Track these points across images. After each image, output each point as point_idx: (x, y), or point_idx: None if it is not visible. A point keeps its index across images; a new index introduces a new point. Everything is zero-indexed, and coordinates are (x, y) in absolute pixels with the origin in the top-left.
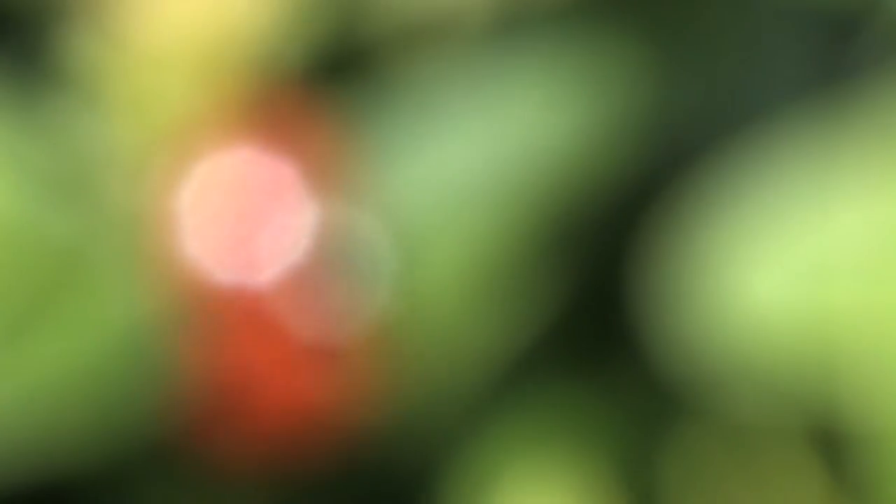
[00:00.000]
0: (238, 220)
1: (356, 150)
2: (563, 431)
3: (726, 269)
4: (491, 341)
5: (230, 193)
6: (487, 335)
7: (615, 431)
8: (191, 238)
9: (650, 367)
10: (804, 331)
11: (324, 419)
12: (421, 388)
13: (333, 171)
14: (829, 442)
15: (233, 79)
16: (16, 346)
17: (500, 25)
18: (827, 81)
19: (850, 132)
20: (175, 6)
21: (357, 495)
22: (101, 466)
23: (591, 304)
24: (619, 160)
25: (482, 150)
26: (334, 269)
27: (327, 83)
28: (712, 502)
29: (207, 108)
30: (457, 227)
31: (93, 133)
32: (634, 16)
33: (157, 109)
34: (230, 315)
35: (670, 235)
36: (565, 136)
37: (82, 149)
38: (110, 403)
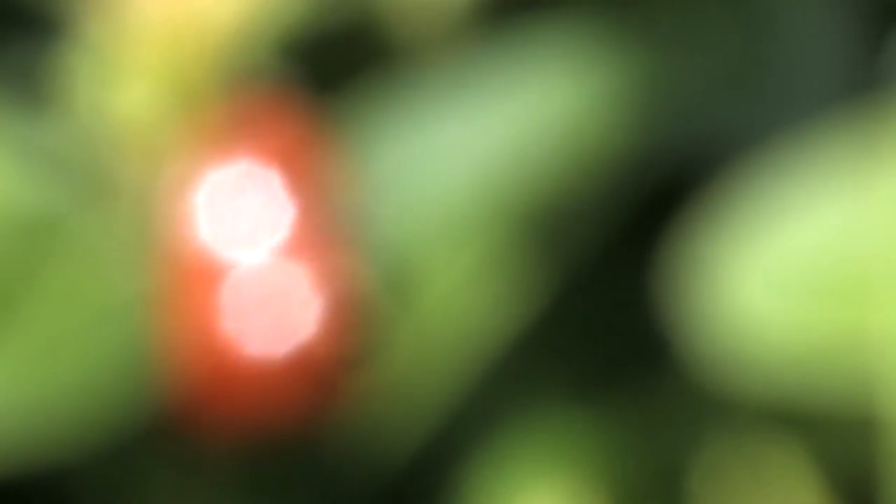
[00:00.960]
0: (227, 215)
1: (347, 146)
2: (565, 433)
3: (734, 268)
4: (491, 340)
5: (218, 188)
6: (488, 333)
7: (623, 433)
8: (178, 222)
9: (660, 368)
10: (812, 333)
11: (312, 410)
12: (419, 385)
13: (322, 168)
14: (838, 444)
15: (221, 74)
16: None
17: (496, 17)
18: (852, 82)
19: (871, 136)
20: (166, 5)
21: (350, 492)
22: (88, 449)
23: (595, 302)
24: (621, 155)
25: (478, 145)
26: (324, 263)
27: (319, 77)
28: None
29: (194, 105)
30: (454, 224)
31: (81, 119)
32: (639, 8)
33: (146, 103)
34: (215, 297)
35: (678, 234)
36: (563, 129)
37: (69, 131)
38: (97, 384)
